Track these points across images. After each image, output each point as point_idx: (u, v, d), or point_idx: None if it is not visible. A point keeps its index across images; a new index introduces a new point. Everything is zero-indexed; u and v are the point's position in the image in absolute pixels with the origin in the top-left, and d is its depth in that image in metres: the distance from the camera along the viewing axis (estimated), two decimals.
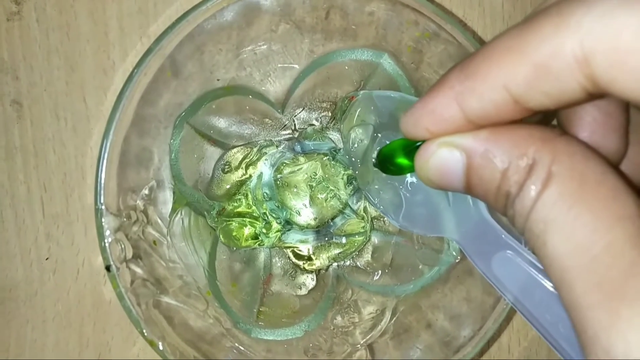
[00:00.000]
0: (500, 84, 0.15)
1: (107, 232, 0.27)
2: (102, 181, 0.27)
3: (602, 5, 0.13)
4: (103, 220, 0.27)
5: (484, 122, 0.16)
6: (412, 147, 0.19)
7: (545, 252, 0.14)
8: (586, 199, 0.14)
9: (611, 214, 0.14)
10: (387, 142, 0.30)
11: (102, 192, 0.27)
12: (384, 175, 0.32)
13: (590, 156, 0.15)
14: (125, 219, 0.28)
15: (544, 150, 0.15)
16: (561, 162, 0.15)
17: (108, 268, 0.27)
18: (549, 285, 0.20)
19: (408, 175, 0.29)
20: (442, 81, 0.16)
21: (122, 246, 0.28)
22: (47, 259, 0.35)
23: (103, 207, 0.27)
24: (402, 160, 0.21)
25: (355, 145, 0.32)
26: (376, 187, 0.31)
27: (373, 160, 0.27)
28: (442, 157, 0.17)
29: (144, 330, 0.27)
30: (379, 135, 0.32)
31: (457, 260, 0.31)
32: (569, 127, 0.18)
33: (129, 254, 0.28)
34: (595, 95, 0.14)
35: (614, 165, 0.16)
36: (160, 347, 0.27)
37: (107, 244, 0.27)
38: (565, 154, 0.15)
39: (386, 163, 0.20)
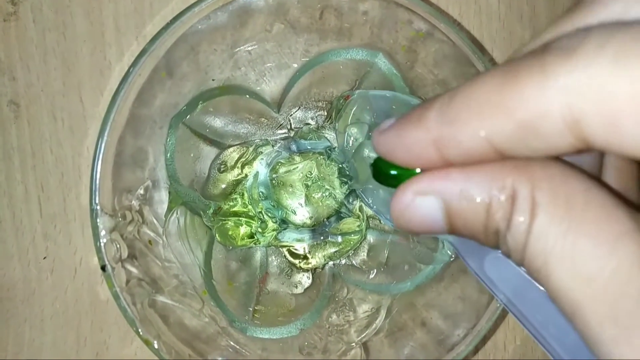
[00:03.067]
0: (482, 136, 0.14)
1: (102, 232, 0.27)
2: (97, 181, 0.27)
3: (590, 67, 0.12)
4: (98, 220, 0.27)
5: (463, 164, 0.15)
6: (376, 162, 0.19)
7: (551, 286, 0.14)
8: (578, 223, 0.13)
9: (608, 235, 0.13)
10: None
11: (97, 192, 0.27)
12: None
13: (569, 174, 0.14)
14: (120, 219, 0.28)
15: (521, 179, 0.14)
16: (542, 189, 0.14)
17: (103, 268, 0.27)
18: (540, 286, 0.20)
19: None
20: (419, 118, 0.15)
21: (118, 246, 0.28)
22: (44, 258, 0.35)
23: (98, 207, 0.27)
24: (396, 171, 0.20)
25: (350, 144, 0.32)
26: (370, 186, 0.31)
27: (370, 168, 0.27)
28: (418, 207, 0.16)
29: (140, 330, 0.27)
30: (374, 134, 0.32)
31: (451, 259, 0.31)
32: None
33: (125, 254, 0.28)
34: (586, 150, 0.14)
35: (592, 176, 0.15)
36: (156, 346, 0.27)
37: (102, 244, 0.27)
38: (544, 178, 0.14)
39: (381, 175, 0.20)
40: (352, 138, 0.32)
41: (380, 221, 0.35)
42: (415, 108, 0.16)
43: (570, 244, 0.13)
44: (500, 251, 0.23)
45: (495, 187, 0.15)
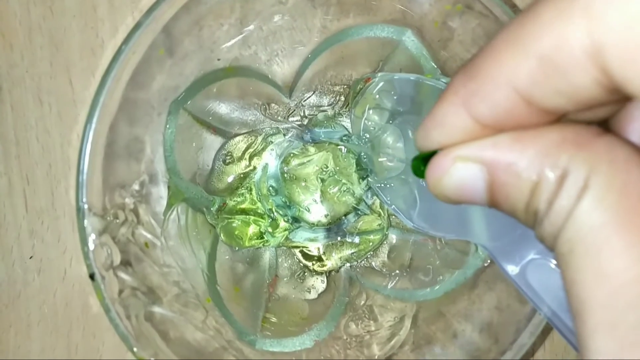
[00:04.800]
0: (504, 82, 0.13)
1: (91, 235, 0.25)
2: (85, 176, 0.25)
3: None
4: (85, 221, 0.25)
5: (500, 127, 0.14)
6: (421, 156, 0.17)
7: (567, 277, 0.13)
8: (623, 217, 0.12)
9: None
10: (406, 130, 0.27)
11: (84, 188, 0.25)
12: (395, 167, 0.30)
13: (635, 163, 0.13)
14: (112, 219, 0.26)
15: (578, 157, 0.13)
16: (599, 172, 0.13)
17: (92, 277, 0.25)
18: None
19: None
20: (447, 88, 0.15)
21: (109, 251, 0.26)
22: (31, 257, 0.33)
23: (86, 206, 0.25)
24: None
25: (367, 131, 0.30)
26: (387, 181, 0.29)
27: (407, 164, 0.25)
28: (459, 174, 0.15)
29: (134, 347, 0.25)
30: (395, 122, 0.29)
31: (486, 264, 0.29)
32: (618, 127, 0.15)
33: (117, 260, 0.26)
34: (619, 92, 0.12)
35: None
36: None
37: (90, 249, 0.25)
38: (605, 160, 0.13)
39: (421, 168, 0.18)
40: (370, 124, 0.30)
41: None
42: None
43: (604, 236, 0.12)
44: (544, 256, 0.20)
45: (547, 165, 0.13)
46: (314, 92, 0.32)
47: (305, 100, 0.32)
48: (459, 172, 0.15)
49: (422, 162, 0.17)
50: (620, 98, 0.13)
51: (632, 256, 0.12)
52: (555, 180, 0.13)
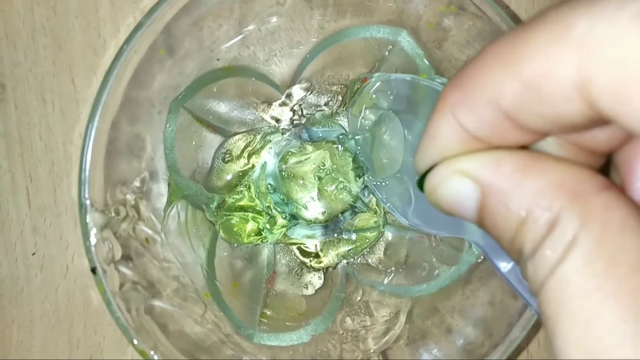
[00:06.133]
0: (489, 97, 0.13)
1: (93, 230, 0.25)
2: (87, 172, 0.25)
3: (611, 17, 0.11)
4: (88, 216, 0.25)
5: (487, 140, 0.14)
6: None
7: (554, 343, 0.12)
8: (613, 289, 0.11)
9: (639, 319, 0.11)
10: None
11: (86, 184, 0.25)
12: (391, 165, 0.30)
13: (630, 229, 0.12)
14: (113, 215, 0.26)
15: (572, 208, 0.12)
16: (590, 230, 0.12)
17: (94, 270, 0.25)
18: None
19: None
20: (440, 96, 0.14)
21: (110, 246, 0.26)
22: (33, 254, 0.33)
23: (88, 201, 0.25)
24: None
25: (364, 130, 0.30)
26: (382, 179, 0.29)
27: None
28: (453, 188, 0.15)
29: (134, 340, 0.25)
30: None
31: (479, 260, 0.29)
32: (623, 167, 0.15)
33: (118, 254, 0.26)
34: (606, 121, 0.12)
35: None
36: (153, 358, 0.25)
37: (92, 244, 0.25)
38: (599, 220, 0.12)
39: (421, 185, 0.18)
40: (366, 123, 0.30)
41: None
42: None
43: (593, 307, 0.11)
44: None
45: (539, 205, 0.13)
46: (312, 91, 0.32)
47: (303, 99, 0.32)
48: (454, 185, 0.15)
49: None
50: (601, 125, 0.13)
51: (624, 334, 0.11)
52: (544, 224, 0.13)
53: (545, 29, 0.12)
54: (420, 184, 0.17)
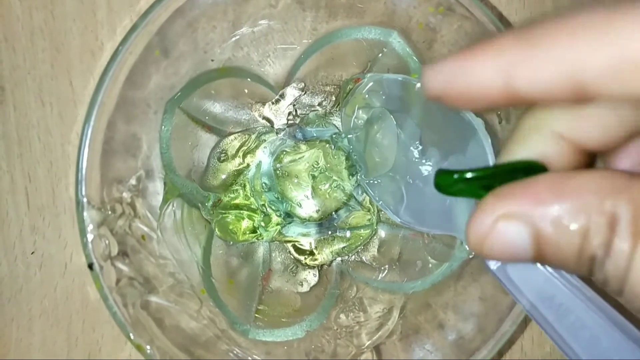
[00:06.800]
0: (569, 63, 0.13)
1: (90, 227, 0.25)
2: (84, 171, 0.25)
3: None
4: (85, 214, 0.25)
5: (528, 100, 0.14)
6: (476, 177, 0.17)
7: None
8: None
9: None
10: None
11: (83, 182, 0.25)
12: (384, 164, 0.30)
13: None
14: (109, 212, 0.27)
15: (622, 202, 0.13)
16: None
17: (91, 266, 0.25)
18: (569, 288, 0.18)
19: (413, 165, 0.27)
20: (488, 44, 0.14)
21: (107, 242, 0.26)
22: (32, 253, 0.33)
23: (85, 199, 0.25)
24: (463, 187, 0.18)
25: (357, 130, 0.30)
26: (375, 177, 0.29)
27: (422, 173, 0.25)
28: (505, 235, 0.15)
29: (131, 334, 0.25)
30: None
31: (470, 256, 0.29)
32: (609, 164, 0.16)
33: (114, 251, 0.26)
34: None
35: None
36: (149, 352, 0.25)
37: (89, 240, 0.25)
38: None
39: (445, 184, 0.18)
40: (359, 123, 0.30)
41: None
42: (483, 39, 0.14)
43: None
44: None
45: (594, 211, 0.13)
46: (306, 92, 0.32)
47: (297, 99, 0.32)
48: (505, 232, 0.15)
49: (450, 180, 0.17)
50: None
51: None
52: (606, 225, 0.13)
53: None
54: (439, 184, 0.17)
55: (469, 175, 0.17)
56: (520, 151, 0.16)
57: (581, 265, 0.14)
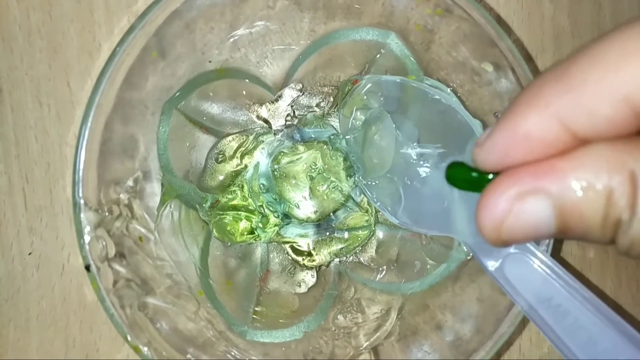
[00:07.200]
0: (621, 95, 0.12)
1: (87, 228, 0.25)
2: (81, 172, 0.25)
3: None
4: (82, 215, 0.25)
5: (595, 137, 0.14)
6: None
7: None
8: None
9: None
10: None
11: (80, 184, 0.25)
12: (382, 165, 0.30)
13: None
14: (107, 214, 0.27)
15: (638, 159, 0.13)
16: None
17: (88, 268, 0.25)
18: (567, 290, 0.18)
19: (411, 166, 0.27)
20: (531, 98, 0.13)
21: (104, 243, 0.26)
22: (30, 254, 0.33)
23: (82, 200, 0.25)
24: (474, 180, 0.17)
25: (355, 131, 0.30)
26: (373, 179, 0.29)
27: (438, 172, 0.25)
28: (524, 212, 0.14)
29: (128, 335, 0.25)
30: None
31: (468, 257, 0.30)
32: None
33: (112, 252, 0.26)
34: None
35: None
36: (146, 354, 0.25)
37: (86, 242, 0.25)
38: None
39: (460, 179, 0.17)
40: (357, 124, 0.30)
41: None
42: (519, 94, 0.14)
43: None
44: (522, 251, 0.21)
45: (615, 171, 0.13)
46: (304, 93, 0.32)
47: (294, 100, 0.32)
48: (525, 210, 0.14)
49: (465, 176, 0.16)
50: None
51: None
52: (628, 183, 0.13)
53: None
54: (453, 178, 0.17)
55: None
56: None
57: (605, 231, 0.14)
